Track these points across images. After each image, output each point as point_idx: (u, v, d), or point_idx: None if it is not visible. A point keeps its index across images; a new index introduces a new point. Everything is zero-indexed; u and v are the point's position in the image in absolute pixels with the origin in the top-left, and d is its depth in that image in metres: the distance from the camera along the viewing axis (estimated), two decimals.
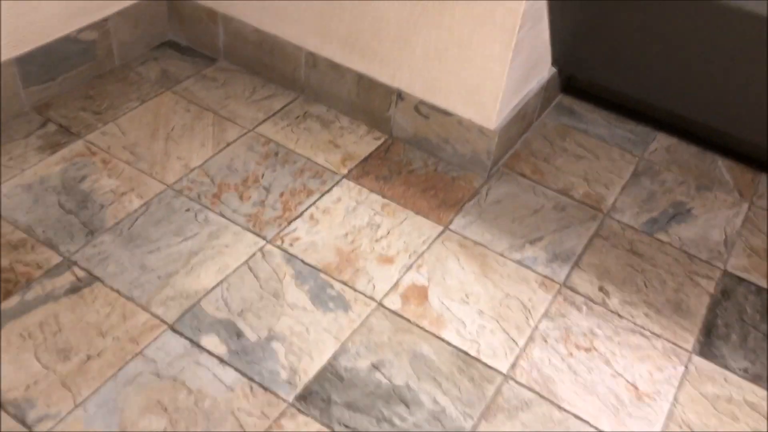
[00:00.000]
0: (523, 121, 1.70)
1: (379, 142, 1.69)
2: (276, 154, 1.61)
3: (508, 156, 1.70)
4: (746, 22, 1.36)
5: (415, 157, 1.66)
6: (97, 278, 1.29)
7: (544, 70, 1.75)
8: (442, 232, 1.47)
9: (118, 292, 1.27)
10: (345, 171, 1.59)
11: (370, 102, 1.69)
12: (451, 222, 1.50)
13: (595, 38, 1.58)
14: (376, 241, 1.43)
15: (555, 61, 1.75)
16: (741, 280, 1.46)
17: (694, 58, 1.50)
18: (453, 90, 1.55)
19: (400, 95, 1.63)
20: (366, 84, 1.67)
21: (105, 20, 1.72)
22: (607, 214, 1.57)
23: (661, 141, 1.82)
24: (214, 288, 1.30)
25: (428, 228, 1.48)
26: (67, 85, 1.70)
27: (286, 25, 1.71)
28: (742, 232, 1.57)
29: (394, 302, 1.31)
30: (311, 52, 1.71)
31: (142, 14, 1.81)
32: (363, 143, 1.68)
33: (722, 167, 1.75)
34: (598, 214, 1.57)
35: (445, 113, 1.59)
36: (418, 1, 1.48)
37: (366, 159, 1.64)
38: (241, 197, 1.49)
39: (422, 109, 1.62)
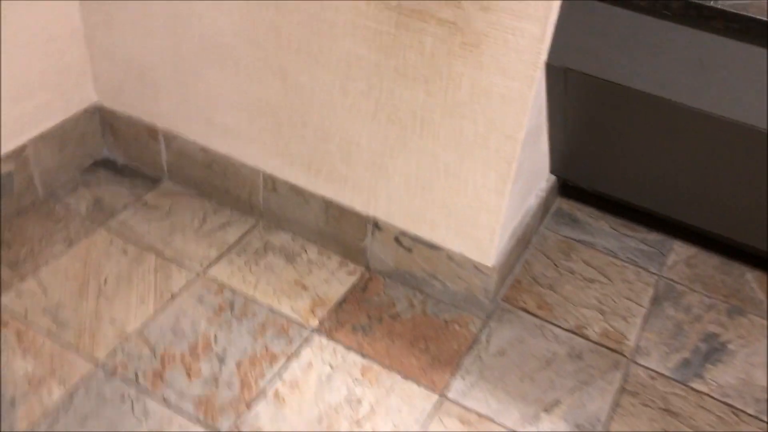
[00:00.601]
0: (522, 243, 1.45)
1: (355, 278, 1.42)
2: (231, 305, 1.34)
3: (507, 285, 1.44)
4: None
5: (398, 296, 1.40)
6: None
7: (542, 179, 1.51)
8: (439, 404, 1.21)
9: None
10: (316, 322, 1.32)
11: (341, 231, 1.43)
12: (447, 387, 1.24)
13: (602, 148, 1.35)
14: (357, 422, 1.16)
15: (555, 170, 1.51)
16: None
17: (706, 173, 1.27)
18: (440, 221, 1.30)
19: (376, 225, 1.38)
20: (335, 211, 1.41)
21: (22, 147, 1.45)
22: (632, 359, 1.32)
23: (679, 251, 1.58)
24: None
25: (421, 398, 1.21)
26: None
27: (239, 145, 1.45)
28: None
29: None
30: (270, 174, 1.45)
31: (70, 133, 1.55)
32: (335, 280, 1.41)
33: (752, 281, 1.52)
34: (621, 359, 1.32)
35: (432, 246, 1.34)
36: (393, 125, 1.23)
37: (340, 303, 1.37)
38: (188, 373, 1.21)
39: (404, 240, 1.36)
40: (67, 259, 1.39)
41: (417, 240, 1.35)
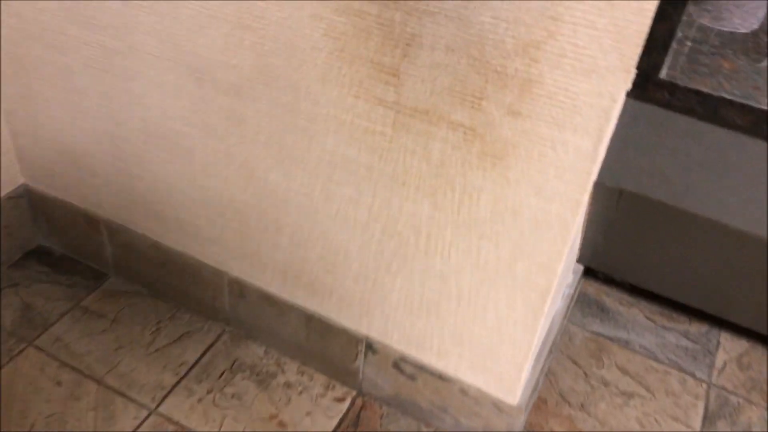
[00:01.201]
0: (547, 352, 1.19)
1: (345, 406, 1.16)
2: None
3: (530, 404, 1.19)
4: None
5: (399, 431, 1.14)
6: None
7: (569, 272, 1.25)
8: None
9: None
10: None
11: (326, 348, 1.17)
12: None
13: (648, 249, 1.09)
14: None
15: (585, 261, 1.25)
16: None
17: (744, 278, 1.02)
18: (450, 350, 1.04)
19: (370, 346, 1.11)
20: (319, 326, 1.14)
21: None
22: None
23: (728, 346, 1.33)
24: None
25: None
26: None
27: (198, 244, 1.18)
28: None
29: None
30: (236, 278, 1.18)
31: None
32: (320, 412, 1.15)
33: None
34: None
35: (441, 377, 1.08)
36: (391, 238, 0.96)
37: None
38: None
39: (405, 367, 1.10)
40: None
41: (421, 368, 1.09)
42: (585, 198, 0.80)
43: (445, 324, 1.01)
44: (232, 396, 1.15)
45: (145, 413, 1.12)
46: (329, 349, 1.16)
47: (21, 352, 1.19)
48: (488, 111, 0.79)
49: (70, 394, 1.13)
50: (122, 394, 1.14)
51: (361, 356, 1.13)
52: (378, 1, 0.77)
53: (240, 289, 1.18)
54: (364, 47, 0.81)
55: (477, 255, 0.91)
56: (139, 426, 1.10)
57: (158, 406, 1.13)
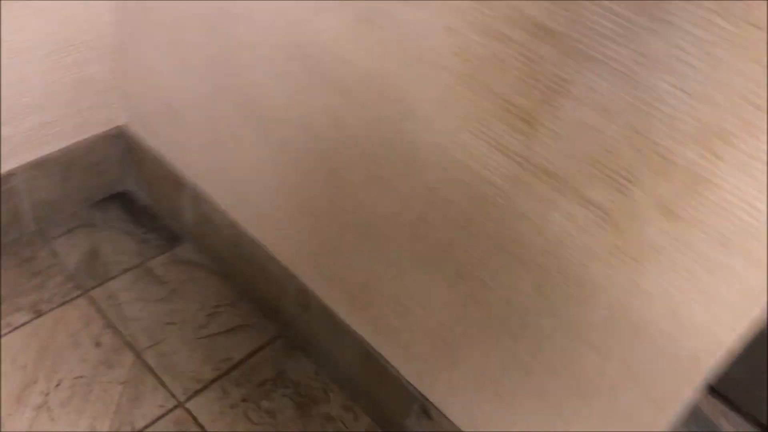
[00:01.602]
0: None
1: None
2: None
3: None
4: None
5: None
6: None
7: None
8: None
9: None
10: None
11: (378, 391, 1.02)
12: None
13: None
14: None
15: (710, 379, 1.03)
16: None
17: None
18: None
19: (426, 411, 0.96)
20: (376, 366, 1.00)
21: (9, 175, 1.13)
22: None
23: None
24: None
25: None
26: None
27: (274, 237, 1.06)
28: None
29: None
30: (303, 285, 1.05)
31: (80, 159, 1.21)
32: None
33: None
34: None
35: None
36: (476, 304, 0.80)
37: None
38: None
39: None
40: (25, 336, 1.06)
41: None
42: (731, 341, 0.60)
43: (518, 419, 0.84)
44: (267, 412, 1.04)
45: (172, 403, 1.02)
46: (381, 395, 1.02)
47: (73, 300, 1.13)
48: (635, 199, 0.60)
49: (105, 360, 1.06)
50: (156, 376, 1.05)
51: (413, 416, 0.98)
52: (530, 28, 0.60)
53: (306, 297, 1.06)
54: (497, 79, 0.64)
55: (578, 362, 0.73)
56: (161, 416, 1.01)
57: (188, 400, 1.03)
